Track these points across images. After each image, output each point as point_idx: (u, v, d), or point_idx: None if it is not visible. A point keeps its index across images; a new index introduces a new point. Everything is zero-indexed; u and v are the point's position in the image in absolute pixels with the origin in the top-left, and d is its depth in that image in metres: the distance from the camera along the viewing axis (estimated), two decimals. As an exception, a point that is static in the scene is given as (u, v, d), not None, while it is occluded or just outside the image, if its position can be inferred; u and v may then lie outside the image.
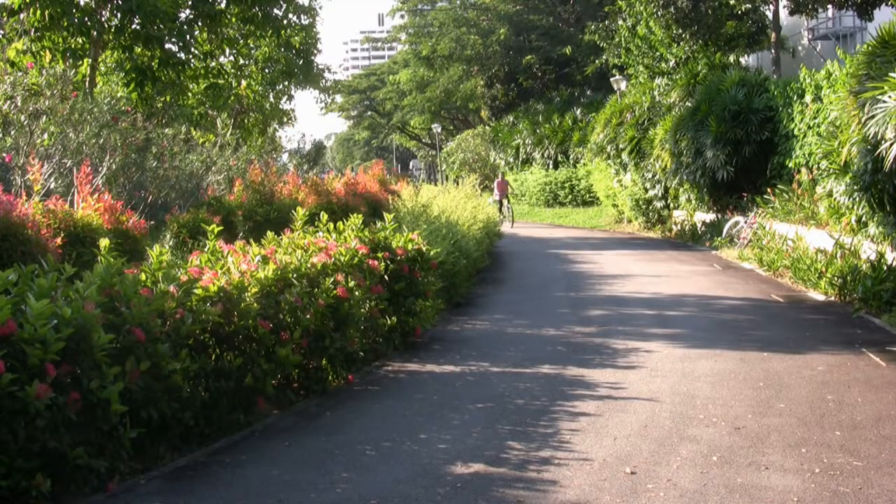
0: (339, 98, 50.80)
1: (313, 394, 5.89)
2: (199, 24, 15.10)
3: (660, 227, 20.45)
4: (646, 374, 6.28)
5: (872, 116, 8.08)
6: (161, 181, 11.71)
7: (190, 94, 17.03)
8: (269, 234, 6.92)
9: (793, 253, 11.19)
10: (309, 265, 6.11)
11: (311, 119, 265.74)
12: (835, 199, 10.53)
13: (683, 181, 16.89)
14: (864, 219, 9.97)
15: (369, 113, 57.76)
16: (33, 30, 12.58)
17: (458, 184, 20.90)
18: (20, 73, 9.90)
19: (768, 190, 13.88)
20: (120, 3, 12.99)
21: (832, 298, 9.46)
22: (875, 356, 6.62)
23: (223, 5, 15.36)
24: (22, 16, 12.35)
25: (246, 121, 21.12)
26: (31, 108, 9.36)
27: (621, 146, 20.60)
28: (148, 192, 11.11)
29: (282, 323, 5.54)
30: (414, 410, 5.52)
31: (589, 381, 6.13)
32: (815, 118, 12.90)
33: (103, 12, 13.26)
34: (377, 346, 7.17)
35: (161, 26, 13.28)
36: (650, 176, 19.37)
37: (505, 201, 25.33)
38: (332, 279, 6.13)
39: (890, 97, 7.80)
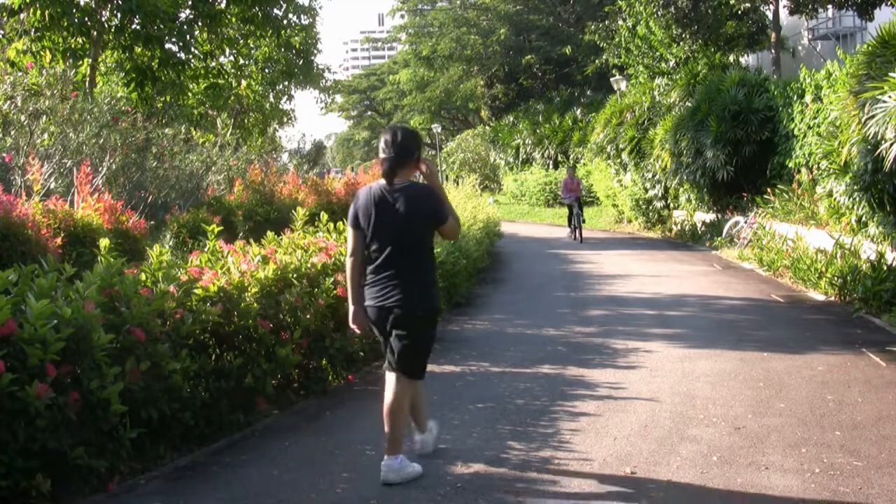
0: (339, 98, 50.90)
1: (313, 394, 5.88)
2: (199, 24, 15.11)
3: (660, 227, 20.45)
4: (646, 374, 6.28)
5: (872, 116, 8.08)
6: (161, 181, 11.73)
7: (190, 94, 17.06)
8: (269, 234, 6.90)
9: (793, 253, 11.18)
10: (309, 265, 6.11)
11: (311, 119, 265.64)
12: (835, 199, 10.53)
13: (683, 181, 16.89)
14: (864, 219, 9.97)
15: (369, 113, 57.85)
16: (33, 30, 12.59)
17: (458, 184, 20.91)
18: (20, 73, 9.91)
19: (768, 190, 13.88)
20: (120, 3, 13.00)
21: (832, 298, 9.45)
22: (875, 356, 6.61)
23: (223, 5, 15.37)
24: (22, 16, 12.36)
25: (246, 121, 21.16)
26: (31, 108, 9.37)
27: (621, 146, 20.59)
28: (148, 192, 11.12)
29: (282, 323, 5.54)
30: (414, 410, 5.50)
31: (589, 381, 6.13)
32: (815, 118, 12.89)
33: (103, 12, 13.27)
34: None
35: (161, 26, 13.30)
36: (650, 176, 19.37)
37: (575, 207, 18.60)
38: (332, 279, 6.13)
39: (890, 97, 7.80)
